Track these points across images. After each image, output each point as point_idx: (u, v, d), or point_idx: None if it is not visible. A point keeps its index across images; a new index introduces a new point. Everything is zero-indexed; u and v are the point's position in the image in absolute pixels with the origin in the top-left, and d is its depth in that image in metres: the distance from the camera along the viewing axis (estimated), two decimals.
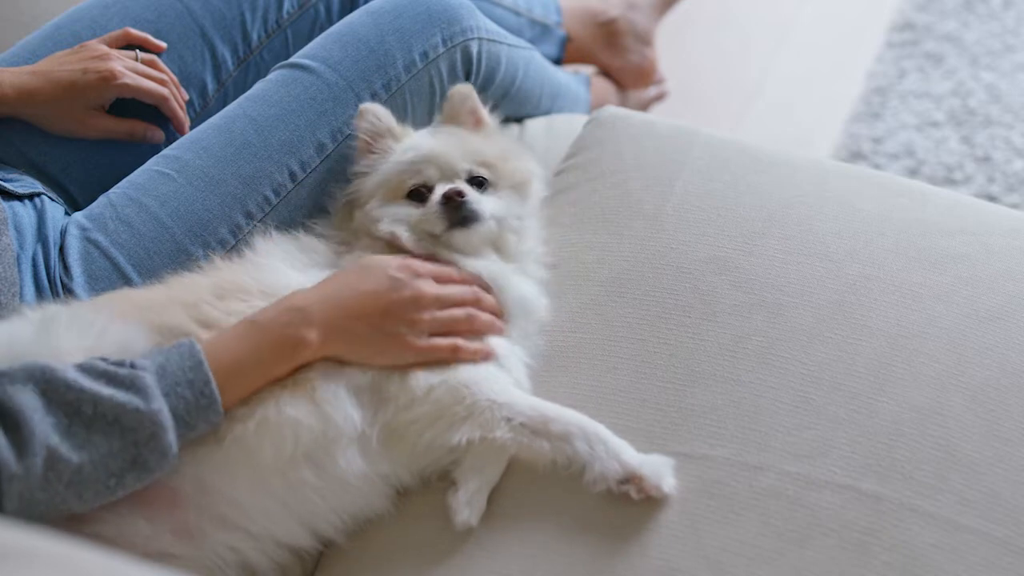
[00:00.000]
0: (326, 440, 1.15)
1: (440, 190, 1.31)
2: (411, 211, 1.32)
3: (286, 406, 1.14)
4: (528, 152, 1.48)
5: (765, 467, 1.16)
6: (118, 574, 0.78)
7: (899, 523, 1.11)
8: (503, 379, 1.21)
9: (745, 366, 1.25)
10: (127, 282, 1.34)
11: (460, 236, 1.30)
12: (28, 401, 1.01)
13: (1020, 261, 1.34)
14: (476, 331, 1.24)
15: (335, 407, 1.16)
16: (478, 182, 1.34)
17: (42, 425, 1.00)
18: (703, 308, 1.31)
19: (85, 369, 1.05)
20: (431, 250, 1.29)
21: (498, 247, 1.33)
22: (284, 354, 1.15)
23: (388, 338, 1.19)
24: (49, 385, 1.02)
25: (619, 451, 1.14)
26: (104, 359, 1.07)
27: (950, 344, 1.25)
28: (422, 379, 1.19)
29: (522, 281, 1.32)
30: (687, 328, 1.29)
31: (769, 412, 1.20)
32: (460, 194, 1.29)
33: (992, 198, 2.21)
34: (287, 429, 1.13)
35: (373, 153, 1.38)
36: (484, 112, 1.44)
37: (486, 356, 1.22)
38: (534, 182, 1.41)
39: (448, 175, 1.34)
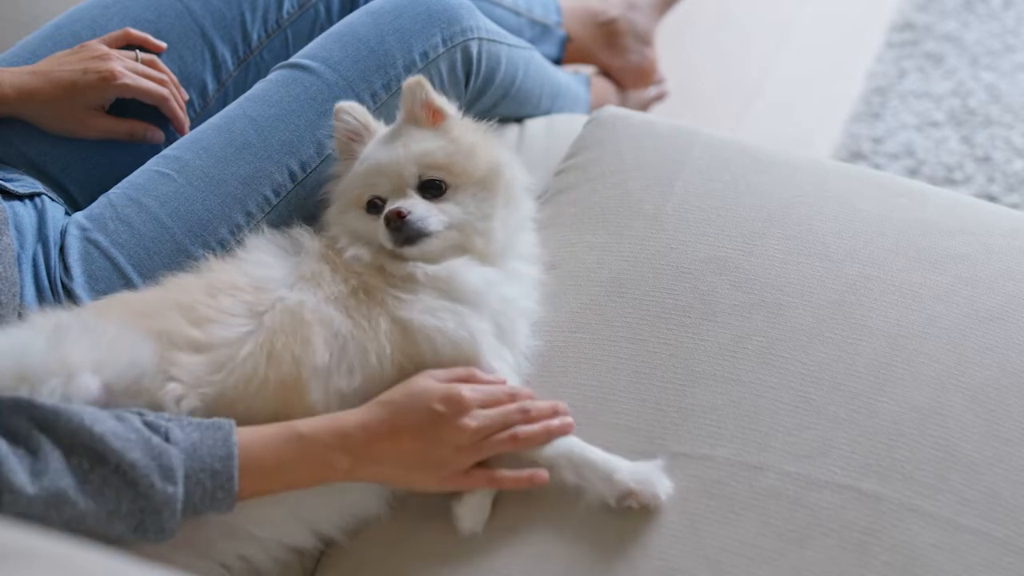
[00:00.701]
0: None
1: (388, 207, 1.26)
2: (368, 225, 1.28)
3: (286, 415, 1.14)
4: (497, 141, 1.39)
5: (765, 467, 1.16)
6: (118, 574, 0.78)
7: (899, 523, 1.11)
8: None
9: (745, 366, 1.25)
10: (127, 282, 1.34)
11: (413, 251, 1.25)
12: (46, 442, 1.02)
13: (1020, 261, 1.34)
14: (523, 437, 1.17)
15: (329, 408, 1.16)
16: (435, 187, 1.28)
17: (57, 464, 1.01)
18: (703, 308, 1.31)
19: (121, 419, 1.06)
20: (393, 261, 1.26)
21: (466, 250, 1.27)
22: (313, 473, 1.13)
23: (430, 467, 1.15)
24: (76, 434, 1.03)
25: (609, 472, 1.14)
26: (141, 414, 1.08)
27: (950, 344, 1.25)
28: None
29: (511, 285, 1.29)
30: (687, 328, 1.29)
31: (769, 412, 1.20)
32: (400, 215, 1.23)
33: (992, 198, 2.21)
34: None
35: (351, 153, 1.35)
36: (441, 102, 1.33)
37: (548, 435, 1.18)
38: (505, 173, 1.32)
39: (399, 186, 1.28)
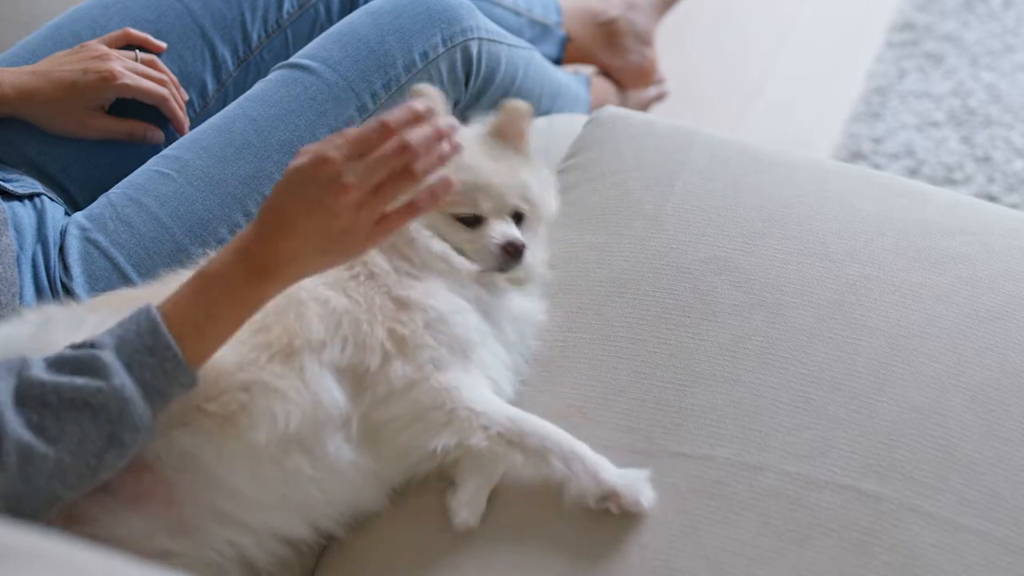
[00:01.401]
0: (315, 423, 1.14)
1: (497, 230, 1.28)
2: (457, 234, 1.29)
3: (276, 384, 1.14)
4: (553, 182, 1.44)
5: (765, 467, 1.16)
6: (118, 574, 0.78)
7: (899, 523, 1.11)
8: (483, 385, 1.20)
9: (745, 366, 1.25)
10: (127, 282, 1.34)
11: (499, 276, 1.29)
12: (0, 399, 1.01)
13: (1020, 261, 1.34)
14: (420, 170, 1.10)
15: (321, 386, 1.16)
16: (518, 217, 1.32)
17: (12, 422, 1.00)
18: (703, 308, 1.31)
19: (51, 362, 1.05)
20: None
21: (512, 279, 1.31)
22: (241, 302, 1.10)
23: (340, 236, 1.09)
24: (21, 382, 1.02)
25: (597, 469, 1.13)
26: (69, 346, 1.07)
27: (950, 344, 1.25)
28: (400, 370, 1.18)
29: (517, 294, 1.31)
30: (687, 328, 1.29)
31: (769, 412, 1.20)
32: (521, 248, 1.28)
33: (992, 198, 2.20)
34: (278, 407, 1.13)
35: None
36: (531, 135, 1.39)
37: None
38: (553, 217, 1.39)
39: (499, 209, 1.31)
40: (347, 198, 1.07)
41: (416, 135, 1.08)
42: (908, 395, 1.20)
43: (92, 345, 1.05)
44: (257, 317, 1.15)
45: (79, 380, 1.03)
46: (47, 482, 1.01)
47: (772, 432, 1.19)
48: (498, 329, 1.26)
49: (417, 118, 1.09)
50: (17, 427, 1.00)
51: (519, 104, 1.37)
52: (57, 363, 1.04)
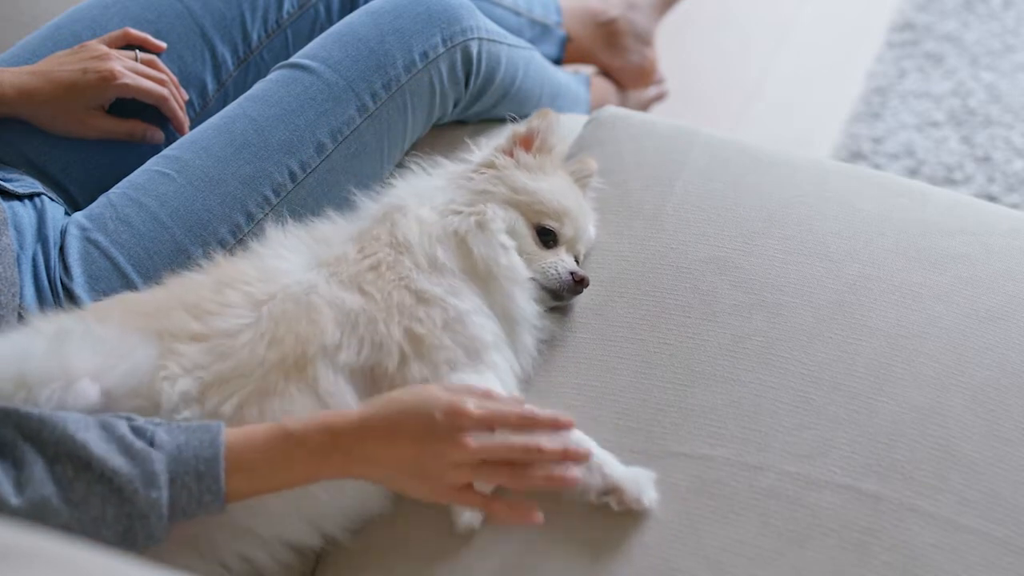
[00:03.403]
0: None
1: (570, 260, 1.34)
2: (532, 247, 1.33)
3: (291, 399, 1.14)
4: None
5: (765, 467, 1.16)
6: (118, 574, 0.78)
7: (899, 523, 1.11)
8: (495, 383, 1.21)
9: (745, 366, 1.25)
10: (127, 282, 1.34)
11: (550, 301, 1.32)
12: (30, 451, 1.02)
13: (1020, 261, 1.34)
14: (534, 475, 1.12)
15: (336, 395, 1.16)
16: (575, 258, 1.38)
17: (40, 473, 1.01)
18: (703, 308, 1.31)
19: (105, 427, 1.05)
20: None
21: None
22: (302, 472, 1.11)
23: (423, 476, 1.11)
24: (60, 442, 1.03)
25: (602, 464, 1.14)
26: (130, 419, 1.07)
27: (950, 344, 1.25)
28: (417, 372, 1.19)
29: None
30: (687, 328, 1.29)
31: (769, 412, 1.20)
32: (586, 285, 1.32)
33: (992, 198, 2.21)
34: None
35: (519, 156, 1.37)
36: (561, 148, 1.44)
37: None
38: None
39: (572, 243, 1.36)
40: (457, 455, 1.09)
41: (552, 445, 1.11)
42: (908, 395, 1.20)
43: (152, 441, 1.05)
44: (269, 328, 1.16)
45: (125, 467, 1.03)
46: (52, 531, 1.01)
47: (772, 432, 1.19)
48: (514, 335, 1.27)
49: (560, 426, 1.13)
50: (45, 476, 1.01)
51: (592, 161, 1.46)
52: (110, 434, 1.05)
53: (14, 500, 0.99)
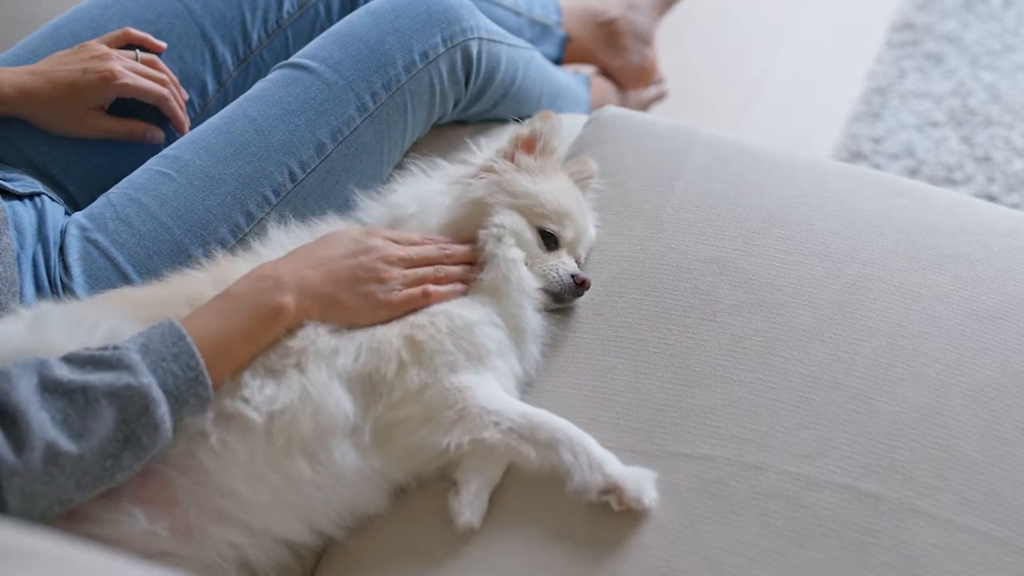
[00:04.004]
0: (320, 430, 1.15)
1: (571, 262, 1.35)
2: (535, 249, 1.33)
3: (280, 394, 1.15)
4: None
5: (765, 467, 1.16)
6: (118, 574, 0.78)
7: (899, 523, 1.11)
8: (494, 386, 1.21)
9: (745, 366, 1.25)
10: (127, 282, 1.34)
11: (551, 303, 1.32)
12: (25, 396, 1.01)
13: (1020, 261, 1.34)
14: (446, 280, 1.27)
15: (327, 396, 1.16)
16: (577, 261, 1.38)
17: (38, 418, 1.00)
18: (703, 308, 1.31)
19: (70, 360, 1.05)
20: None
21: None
22: (263, 322, 1.16)
23: (361, 297, 1.22)
24: (43, 380, 1.03)
25: (603, 463, 1.14)
26: (87, 348, 1.08)
27: (950, 344, 1.25)
28: (415, 376, 1.19)
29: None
30: (687, 328, 1.29)
31: (769, 412, 1.20)
32: (587, 287, 1.33)
33: (992, 198, 2.21)
34: (284, 417, 1.14)
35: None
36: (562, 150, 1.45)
37: (457, 294, 1.27)
38: None
39: (572, 245, 1.37)
40: (384, 251, 1.25)
41: (448, 271, 1.28)
42: (908, 395, 1.20)
43: (116, 347, 1.07)
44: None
45: (107, 376, 1.04)
46: (66, 480, 1.01)
47: (772, 432, 1.19)
48: (521, 344, 1.28)
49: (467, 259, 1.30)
50: (44, 424, 1.01)
51: (593, 163, 1.46)
52: (79, 361, 1.05)
53: (15, 459, 0.98)
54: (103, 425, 1.03)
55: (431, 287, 1.25)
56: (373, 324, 1.22)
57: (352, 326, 1.21)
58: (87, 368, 1.04)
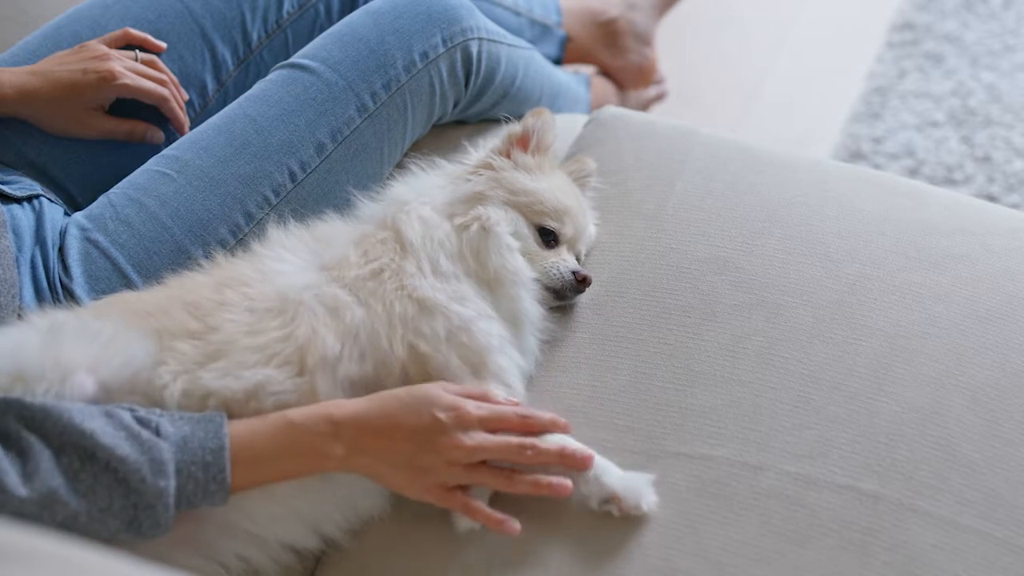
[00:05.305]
0: None
1: (572, 259, 1.34)
2: (535, 246, 1.33)
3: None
4: None
5: (765, 467, 1.16)
6: (118, 574, 0.78)
7: (899, 523, 1.11)
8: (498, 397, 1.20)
9: (745, 366, 1.25)
10: (127, 282, 1.34)
11: (552, 301, 1.32)
12: (36, 442, 1.02)
13: (1020, 261, 1.34)
14: (537, 461, 1.15)
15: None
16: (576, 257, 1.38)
17: (47, 464, 1.01)
18: (703, 308, 1.31)
19: (111, 415, 1.05)
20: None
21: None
22: (306, 462, 1.12)
23: (417, 472, 1.13)
24: (65, 432, 1.03)
25: (600, 473, 1.14)
26: (132, 409, 1.08)
27: (950, 344, 1.25)
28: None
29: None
30: (687, 328, 1.29)
31: (769, 412, 1.20)
32: (589, 283, 1.33)
33: (992, 198, 2.21)
34: None
35: (517, 156, 1.37)
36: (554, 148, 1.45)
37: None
38: None
39: (572, 242, 1.36)
40: (452, 453, 1.11)
41: (549, 446, 1.14)
42: (908, 395, 1.20)
43: (158, 430, 1.06)
44: (273, 336, 1.16)
45: (133, 456, 1.03)
46: (54, 527, 1.01)
47: (772, 432, 1.19)
48: (520, 337, 1.27)
49: (559, 428, 1.16)
50: (52, 467, 1.01)
51: (591, 162, 1.46)
52: (115, 423, 1.05)
53: (22, 491, 0.99)
54: (110, 497, 1.03)
55: (516, 477, 1.14)
56: (419, 492, 1.15)
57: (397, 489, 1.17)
58: (120, 434, 1.04)
